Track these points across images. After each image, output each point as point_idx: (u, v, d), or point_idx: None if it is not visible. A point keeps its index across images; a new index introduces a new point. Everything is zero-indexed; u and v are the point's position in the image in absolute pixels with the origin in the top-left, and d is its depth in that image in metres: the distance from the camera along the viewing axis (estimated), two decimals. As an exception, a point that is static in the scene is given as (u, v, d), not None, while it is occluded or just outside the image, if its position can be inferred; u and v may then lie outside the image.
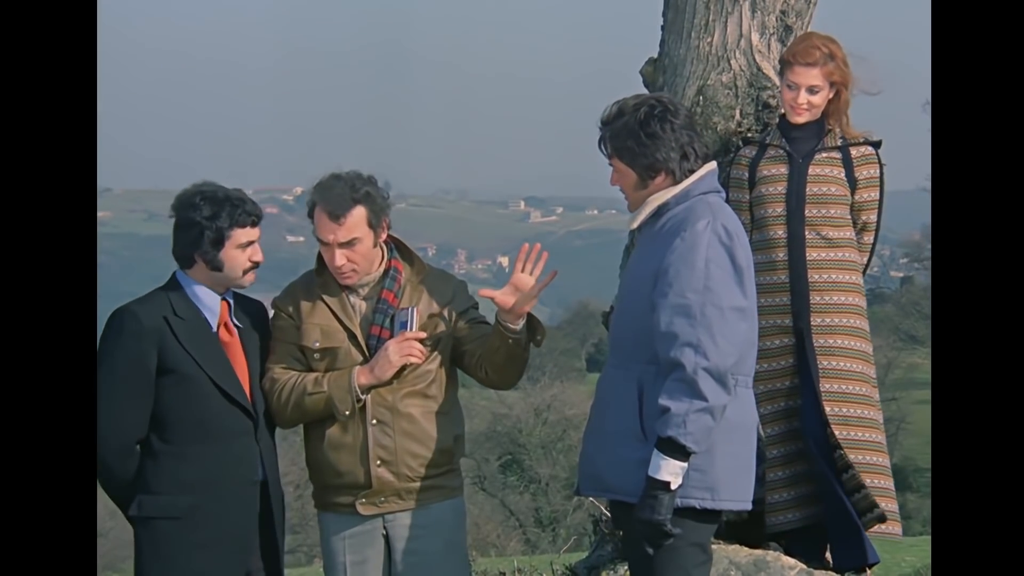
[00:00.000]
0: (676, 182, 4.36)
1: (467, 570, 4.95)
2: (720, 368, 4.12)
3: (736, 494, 4.31)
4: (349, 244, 4.64)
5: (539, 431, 34.73)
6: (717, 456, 4.21)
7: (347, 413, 4.61)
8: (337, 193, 4.64)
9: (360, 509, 4.68)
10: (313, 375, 4.66)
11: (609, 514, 4.95)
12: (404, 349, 4.61)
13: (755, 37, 5.82)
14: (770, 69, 5.80)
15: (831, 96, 5.46)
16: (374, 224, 4.68)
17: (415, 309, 4.66)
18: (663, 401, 4.12)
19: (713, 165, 4.43)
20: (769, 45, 5.84)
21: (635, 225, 4.43)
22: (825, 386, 5.35)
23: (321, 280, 4.73)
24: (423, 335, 4.65)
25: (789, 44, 5.63)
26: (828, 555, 5.56)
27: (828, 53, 5.41)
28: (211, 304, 4.60)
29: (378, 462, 4.63)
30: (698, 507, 4.23)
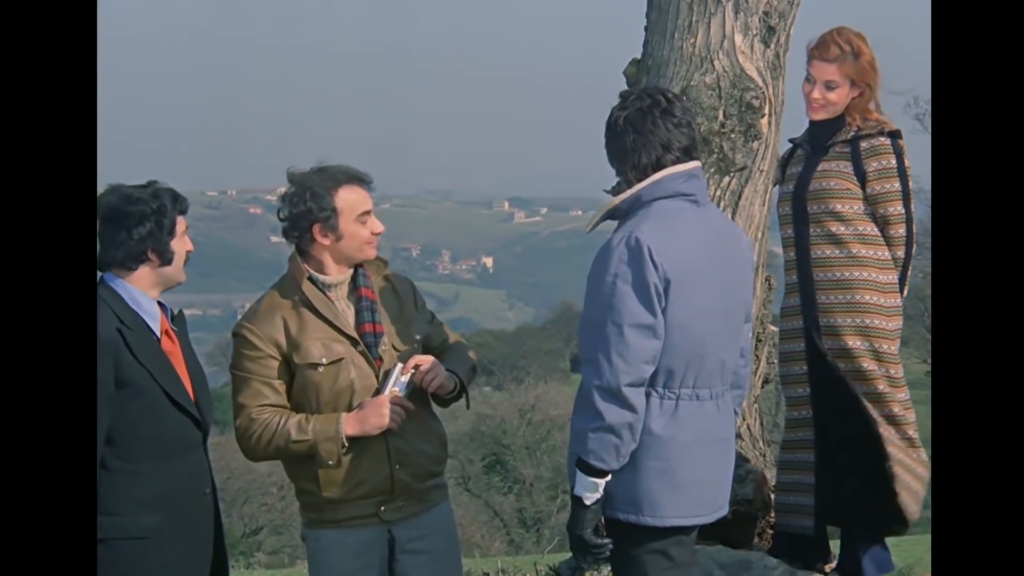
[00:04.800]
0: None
1: (461, 568, 4.98)
2: (613, 386, 4.03)
3: (665, 511, 4.17)
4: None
5: (523, 432, 34.72)
6: (641, 472, 4.13)
7: (331, 463, 4.57)
8: (348, 168, 4.64)
9: (383, 516, 4.64)
10: (296, 420, 4.57)
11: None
12: (396, 414, 4.56)
13: (738, 38, 5.84)
14: (753, 70, 5.82)
15: (856, 95, 5.32)
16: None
17: (410, 376, 4.61)
18: (573, 417, 4.13)
19: (677, 168, 4.23)
20: (752, 46, 5.86)
21: (588, 229, 4.39)
22: (832, 350, 5.31)
23: (303, 293, 4.64)
24: (411, 407, 4.60)
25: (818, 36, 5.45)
26: (829, 566, 5.54)
27: (851, 51, 5.29)
28: (152, 311, 4.40)
29: (398, 465, 4.61)
30: (624, 521, 4.17)
